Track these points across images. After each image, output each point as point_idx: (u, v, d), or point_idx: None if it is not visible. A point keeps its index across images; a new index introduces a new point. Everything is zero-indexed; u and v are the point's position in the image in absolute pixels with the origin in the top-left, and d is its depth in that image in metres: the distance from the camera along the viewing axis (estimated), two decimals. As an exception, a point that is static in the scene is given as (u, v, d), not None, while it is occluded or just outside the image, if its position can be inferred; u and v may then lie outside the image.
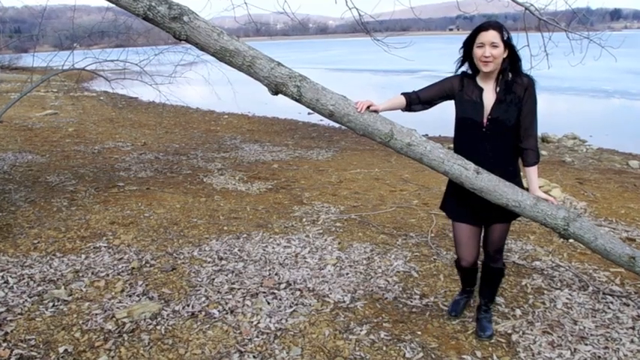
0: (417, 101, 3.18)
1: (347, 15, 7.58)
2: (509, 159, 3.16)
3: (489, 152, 3.10)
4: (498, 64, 2.95)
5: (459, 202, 3.28)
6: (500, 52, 2.90)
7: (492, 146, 3.08)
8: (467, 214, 3.28)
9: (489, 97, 3.03)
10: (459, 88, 3.11)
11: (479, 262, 3.57)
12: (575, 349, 3.30)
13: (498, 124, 3.01)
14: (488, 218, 3.25)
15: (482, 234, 3.38)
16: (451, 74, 3.21)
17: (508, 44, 2.93)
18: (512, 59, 2.99)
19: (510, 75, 3.00)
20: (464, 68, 3.15)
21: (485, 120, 3.03)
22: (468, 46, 3.00)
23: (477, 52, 2.93)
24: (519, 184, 3.19)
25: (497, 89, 3.01)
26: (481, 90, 3.05)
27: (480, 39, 2.91)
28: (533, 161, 3.11)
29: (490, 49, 2.88)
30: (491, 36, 2.88)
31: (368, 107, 3.18)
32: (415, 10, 7.16)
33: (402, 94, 3.22)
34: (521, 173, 3.24)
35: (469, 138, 3.14)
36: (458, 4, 7.30)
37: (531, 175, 3.17)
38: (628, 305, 3.84)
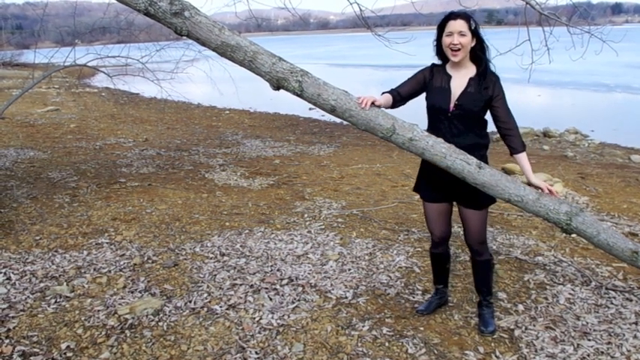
0: (398, 98, 3.28)
1: (348, 10, 7.56)
2: (477, 146, 3.22)
3: (456, 138, 3.18)
4: (466, 52, 3.08)
5: (430, 183, 3.37)
6: (468, 41, 3.03)
7: (458, 132, 3.18)
8: (437, 195, 3.37)
9: (457, 84, 3.15)
10: (430, 77, 3.24)
11: (469, 257, 3.57)
12: (578, 344, 3.30)
13: (464, 110, 3.13)
14: (460, 197, 3.31)
15: (462, 230, 3.42)
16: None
17: (476, 34, 3.06)
18: (481, 48, 3.11)
19: (484, 68, 3.13)
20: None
21: (451, 106, 3.15)
22: (438, 35, 3.13)
23: (446, 40, 3.06)
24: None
25: (473, 75, 3.13)
26: (449, 77, 3.18)
27: (449, 28, 3.04)
28: (521, 147, 3.20)
29: (458, 37, 3.01)
30: (459, 25, 3.00)
31: (372, 103, 3.21)
32: (416, 4, 7.12)
33: (387, 92, 3.31)
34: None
35: (437, 124, 3.25)
36: (459, -2, 7.27)
37: (522, 162, 3.24)
38: (631, 300, 3.84)
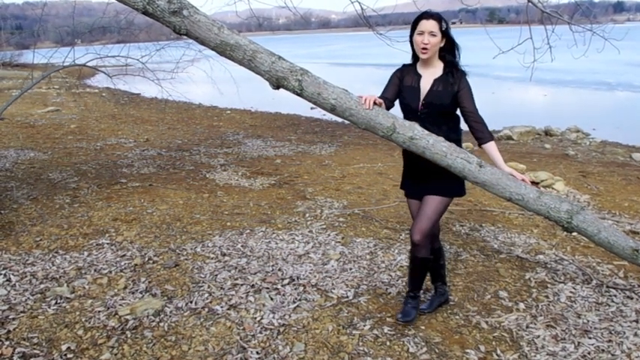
0: (387, 101, 3.36)
1: (349, 9, 7.59)
2: (449, 141, 3.29)
3: None
4: (435, 51, 3.19)
5: (411, 180, 3.50)
6: (437, 41, 3.15)
7: (429, 129, 3.28)
8: (418, 191, 3.45)
9: (426, 83, 3.25)
10: (401, 78, 3.34)
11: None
12: (578, 342, 3.29)
13: (432, 108, 3.24)
14: (430, 189, 3.36)
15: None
16: None
17: (446, 35, 3.18)
18: (450, 48, 3.24)
19: (451, 64, 3.25)
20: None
21: (420, 104, 3.25)
22: (411, 32, 3.24)
23: (417, 38, 3.17)
24: None
25: (439, 75, 3.22)
26: (419, 76, 3.27)
27: (421, 27, 3.14)
28: (488, 137, 3.26)
29: (429, 37, 3.12)
30: (430, 25, 3.12)
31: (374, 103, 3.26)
32: (418, 3, 7.09)
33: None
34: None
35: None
36: (460, -3, 7.26)
37: (492, 151, 3.29)
38: (631, 298, 3.82)
